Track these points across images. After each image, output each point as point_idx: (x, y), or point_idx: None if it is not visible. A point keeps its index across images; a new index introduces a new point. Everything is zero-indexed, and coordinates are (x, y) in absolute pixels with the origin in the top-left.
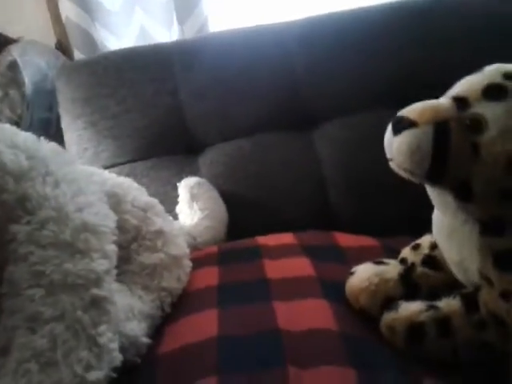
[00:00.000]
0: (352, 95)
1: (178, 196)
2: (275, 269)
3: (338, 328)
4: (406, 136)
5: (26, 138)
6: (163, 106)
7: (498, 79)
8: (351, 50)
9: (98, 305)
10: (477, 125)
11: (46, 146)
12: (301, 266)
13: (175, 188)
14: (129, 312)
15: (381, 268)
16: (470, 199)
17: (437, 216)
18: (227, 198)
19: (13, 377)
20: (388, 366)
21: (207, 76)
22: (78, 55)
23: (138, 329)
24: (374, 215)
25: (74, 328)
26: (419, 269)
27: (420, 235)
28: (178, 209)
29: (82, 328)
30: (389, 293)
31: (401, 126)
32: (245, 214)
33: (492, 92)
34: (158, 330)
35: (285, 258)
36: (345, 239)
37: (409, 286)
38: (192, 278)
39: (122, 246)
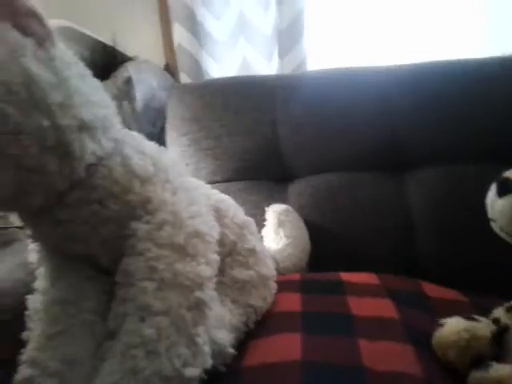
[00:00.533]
0: (451, 145)
1: (265, 220)
2: (359, 306)
3: (423, 375)
4: None
5: (150, 146)
6: (262, 134)
7: None
8: (454, 101)
9: (199, 307)
10: None
11: (167, 156)
12: (385, 308)
13: (263, 212)
14: (220, 321)
15: (472, 324)
16: None
17: None
18: (312, 228)
19: (121, 359)
20: None
21: (306, 111)
22: (184, 78)
23: (226, 338)
24: (463, 268)
25: (178, 325)
26: None
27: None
28: (264, 232)
29: (185, 326)
30: (480, 351)
31: (506, 188)
32: (327, 247)
33: None
34: (241, 344)
35: (368, 297)
36: (431, 289)
37: (501, 347)
38: (275, 301)
39: (219, 259)
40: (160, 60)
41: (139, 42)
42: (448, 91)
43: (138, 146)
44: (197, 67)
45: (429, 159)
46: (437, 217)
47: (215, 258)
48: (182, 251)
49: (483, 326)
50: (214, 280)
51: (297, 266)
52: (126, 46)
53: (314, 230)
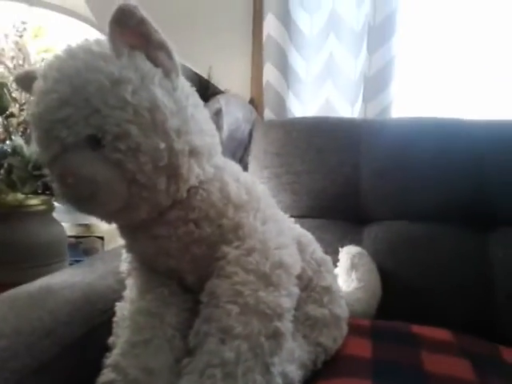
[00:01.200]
0: None
1: (337, 260)
2: (432, 361)
3: None
4: None
5: (246, 176)
6: (343, 175)
7: None
8: None
9: (276, 337)
10: None
11: (260, 187)
12: (460, 368)
13: (336, 252)
14: (290, 354)
15: None
16: None
17: None
18: (385, 275)
19: (199, 377)
20: None
21: (390, 156)
22: (267, 114)
23: (295, 373)
24: None
25: (256, 351)
26: None
27: None
28: (336, 273)
29: (262, 353)
30: None
31: None
32: (398, 297)
33: None
34: (308, 382)
35: (443, 354)
36: (510, 355)
37: None
38: (345, 343)
39: None
40: (246, 94)
41: (230, 75)
42: None
43: (235, 175)
44: (281, 104)
45: None
46: None
47: (296, 290)
48: (267, 280)
49: None
50: (292, 312)
51: (365, 311)
52: (218, 79)
53: (387, 277)
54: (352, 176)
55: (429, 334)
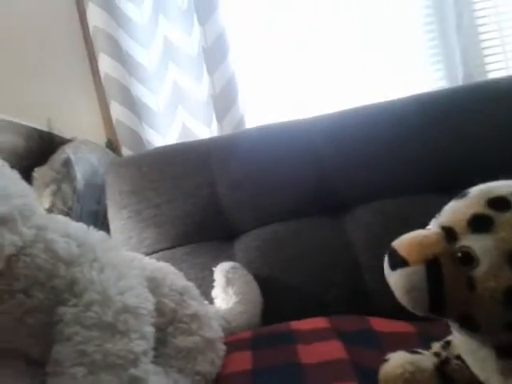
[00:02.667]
0: (379, 182)
1: (214, 281)
2: (308, 353)
3: None
4: (400, 276)
5: (76, 227)
6: (202, 197)
7: (482, 208)
8: (378, 141)
9: None
10: (467, 258)
11: (95, 234)
12: (333, 350)
13: (212, 273)
14: None
15: (416, 357)
16: (475, 329)
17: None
18: (262, 282)
19: None
20: None
21: (242, 169)
22: (126, 152)
23: None
24: None
25: None
26: (454, 362)
27: None
28: (214, 294)
29: None
30: (423, 383)
31: (394, 261)
32: (279, 298)
33: (478, 223)
34: None
35: (317, 342)
36: (380, 324)
37: (444, 379)
38: (226, 363)
39: (160, 329)
40: (102, 137)
41: (79, 122)
42: (365, 134)
43: (62, 229)
44: (137, 140)
45: (360, 197)
46: (377, 249)
47: (150, 330)
48: (112, 329)
49: (426, 359)
50: (152, 353)
51: (250, 322)
52: (66, 129)
53: (264, 283)
54: (211, 195)
55: (305, 327)
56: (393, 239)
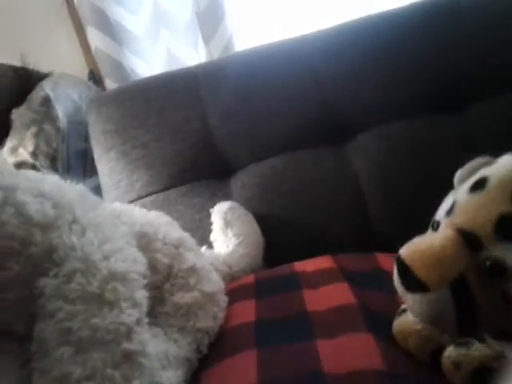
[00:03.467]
0: (384, 103)
1: (210, 223)
2: (315, 299)
3: (384, 367)
4: (421, 303)
5: (51, 184)
6: (193, 131)
7: (510, 205)
8: (381, 56)
9: (129, 359)
10: (499, 271)
11: (72, 191)
12: (341, 294)
13: (209, 214)
14: (164, 359)
15: None
16: None
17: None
18: (262, 220)
19: None
20: None
21: (234, 97)
22: (110, 84)
23: (174, 377)
24: (414, 227)
25: None
26: None
27: None
28: (212, 237)
29: None
30: (440, 343)
31: (410, 283)
32: (281, 236)
33: (507, 227)
34: (195, 375)
35: (324, 285)
36: (388, 262)
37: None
38: (229, 314)
39: (156, 286)
40: (83, 68)
41: (56, 54)
42: (368, 49)
43: (35, 188)
44: (120, 69)
45: (364, 122)
46: (382, 179)
47: (142, 295)
48: (99, 301)
49: None
50: (146, 320)
51: (252, 265)
52: (42, 62)
53: (264, 222)
54: (202, 129)
55: (310, 268)
56: (397, 166)
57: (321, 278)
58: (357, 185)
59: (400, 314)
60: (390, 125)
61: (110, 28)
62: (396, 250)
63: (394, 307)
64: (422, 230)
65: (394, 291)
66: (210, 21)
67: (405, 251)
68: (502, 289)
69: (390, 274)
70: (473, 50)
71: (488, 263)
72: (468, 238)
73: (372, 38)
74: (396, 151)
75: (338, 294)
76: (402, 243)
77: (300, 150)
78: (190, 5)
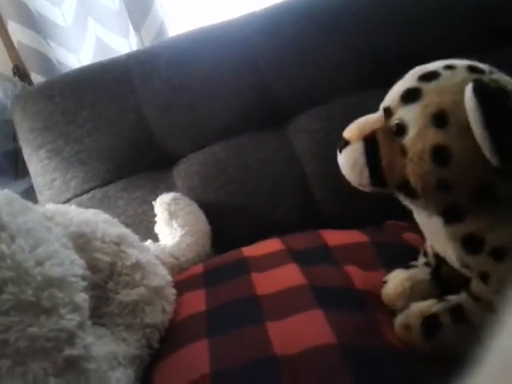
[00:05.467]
0: (323, 82)
1: (154, 215)
2: (264, 283)
3: (337, 340)
4: (344, 155)
5: None
6: (128, 124)
7: (413, 83)
8: (316, 36)
9: (73, 365)
10: (400, 129)
11: None
12: (290, 275)
13: (152, 207)
14: (113, 360)
15: (411, 272)
16: (415, 196)
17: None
18: (207, 208)
19: None
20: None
21: (169, 85)
22: (37, 78)
23: (123, 377)
24: (355, 204)
25: None
26: (444, 266)
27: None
28: (157, 229)
29: None
30: (424, 293)
31: (340, 145)
32: (228, 222)
33: (408, 96)
34: (147, 369)
35: (273, 268)
36: (332, 237)
37: (441, 283)
38: (178, 306)
39: (98, 286)
40: (7, 64)
41: None
42: (303, 29)
43: None
44: (46, 62)
45: (303, 103)
46: (323, 159)
47: (82, 297)
48: (35, 309)
49: (421, 271)
50: (89, 323)
51: (200, 254)
52: None
53: (210, 210)
54: (138, 120)
55: (259, 252)
56: (336, 146)
57: (269, 261)
58: (300, 166)
59: (383, 285)
60: (329, 104)
61: (32, 21)
62: (340, 227)
63: (341, 279)
64: (362, 207)
65: (339, 263)
66: (139, 8)
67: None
68: (400, 144)
69: (335, 248)
70: (400, 27)
71: (394, 123)
72: (385, 110)
73: (307, 18)
74: (336, 130)
75: (287, 275)
76: (345, 221)
77: (241, 135)
78: None
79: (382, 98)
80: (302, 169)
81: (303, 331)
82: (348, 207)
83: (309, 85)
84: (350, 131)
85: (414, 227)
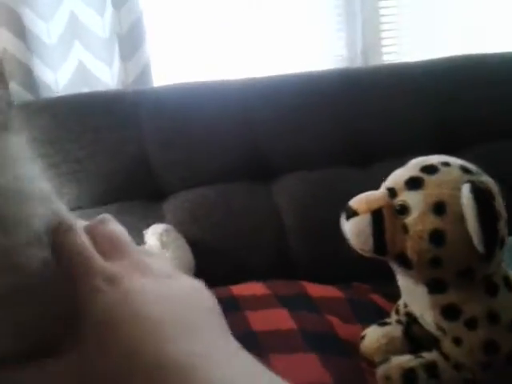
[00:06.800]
0: (310, 150)
1: (142, 243)
2: (259, 320)
3: (332, 382)
4: (352, 223)
5: None
6: (128, 153)
7: (416, 172)
8: (309, 111)
9: None
10: (403, 209)
11: None
12: (282, 319)
13: (140, 234)
14: None
15: (386, 329)
16: (409, 267)
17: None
18: (192, 244)
19: None
20: None
21: (172, 126)
22: (13, 87)
23: None
24: (330, 260)
25: None
26: (416, 324)
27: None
28: None
29: None
30: (397, 348)
31: (348, 214)
32: (209, 261)
33: (412, 183)
34: None
35: (263, 309)
36: (312, 289)
37: (413, 340)
38: None
39: None
40: None
41: None
42: (298, 102)
43: None
44: (28, 73)
45: (290, 166)
46: (302, 216)
47: None
48: None
49: (394, 328)
50: None
51: None
52: None
53: (195, 246)
54: (138, 152)
55: (246, 292)
56: (317, 205)
57: (259, 302)
58: (279, 219)
59: (361, 340)
60: (312, 171)
61: (22, 32)
62: (310, 279)
63: (326, 326)
64: (333, 264)
65: (321, 312)
66: (130, 42)
67: (352, 200)
68: (403, 222)
69: (315, 298)
70: (376, 116)
71: (398, 203)
72: (389, 190)
73: (304, 91)
74: (315, 192)
75: (279, 319)
76: (315, 273)
77: (231, 182)
78: (109, 24)
79: (358, 176)
80: (282, 222)
81: (302, 369)
82: (320, 261)
83: (297, 150)
84: (359, 203)
85: (376, 289)
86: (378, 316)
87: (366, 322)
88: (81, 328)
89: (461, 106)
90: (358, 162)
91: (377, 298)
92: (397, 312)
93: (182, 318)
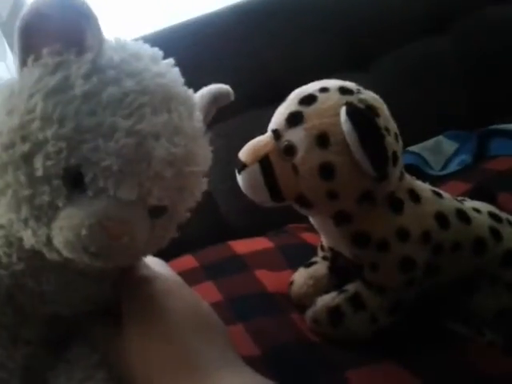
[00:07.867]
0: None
1: None
2: None
3: (260, 352)
4: (243, 177)
5: None
6: None
7: (295, 107)
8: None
9: None
10: (289, 150)
11: None
12: (208, 292)
13: None
14: None
15: (312, 269)
16: (310, 206)
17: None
18: None
19: None
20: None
21: None
22: None
23: None
24: (260, 214)
25: None
26: (340, 257)
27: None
28: None
29: None
30: (325, 287)
31: (238, 167)
32: None
33: (292, 119)
34: None
35: (192, 286)
36: (241, 246)
37: (340, 274)
38: None
39: None
40: None
41: None
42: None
43: None
44: None
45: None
46: (225, 176)
47: None
48: None
49: (320, 266)
50: None
51: None
52: None
53: None
54: None
55: (178, 270)
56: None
57: (187, 280)
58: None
59: (290, 286)
60: (225, 123)
61: None
62: (247, 236)
63: (253, 286)
64: (265, 215)
65: (250, 269)
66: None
67: (241, 151)
68: (292, 163)
69: (244, 256)
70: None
71: (284, 145)
72: (273, 132)
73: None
74: (233, 146)
75: (205, 292)
76: (250, 229)
77: None
78: None
79: (271, 116)
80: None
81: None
82: (252, 217)
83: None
84: (246, 154)
85: (312, 228)
86: (311, 255)
87: (298, 266)
88: None
89: None
90: (271, 99)
91: (310, 237)
92: (322, 248)
93: None
